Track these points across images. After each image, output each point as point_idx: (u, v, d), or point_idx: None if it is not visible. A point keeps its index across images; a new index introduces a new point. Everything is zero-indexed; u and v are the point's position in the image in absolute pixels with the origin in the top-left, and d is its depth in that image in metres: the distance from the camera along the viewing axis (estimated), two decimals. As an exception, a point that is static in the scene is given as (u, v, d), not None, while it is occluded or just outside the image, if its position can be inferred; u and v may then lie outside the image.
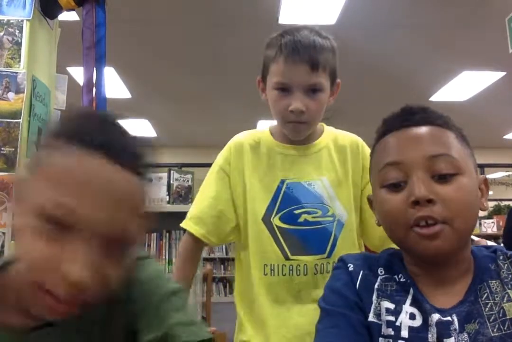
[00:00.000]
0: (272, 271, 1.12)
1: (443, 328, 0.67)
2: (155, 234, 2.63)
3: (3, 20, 2.37)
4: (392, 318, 0.71)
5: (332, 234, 1.13)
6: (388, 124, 0.77)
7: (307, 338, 1.07)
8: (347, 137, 1.22)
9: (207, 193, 1.20)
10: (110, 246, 0.54)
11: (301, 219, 1.13)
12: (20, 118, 2.31)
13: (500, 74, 5.14)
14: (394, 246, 1.15)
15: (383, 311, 0.72)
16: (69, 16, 2.81)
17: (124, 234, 0.55)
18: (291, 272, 1.11)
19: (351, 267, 0.76)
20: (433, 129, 0.73)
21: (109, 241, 0.54)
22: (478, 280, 0.72)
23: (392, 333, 0.69)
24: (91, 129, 0.55)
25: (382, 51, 4.50)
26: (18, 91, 2.32)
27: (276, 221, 1.13)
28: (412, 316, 0.70)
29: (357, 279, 0.75)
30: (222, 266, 6.37)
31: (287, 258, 1.12)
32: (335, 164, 1.18)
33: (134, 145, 0.57)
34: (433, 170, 0.69)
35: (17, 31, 2.34)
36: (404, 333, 0.69)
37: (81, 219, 0.52)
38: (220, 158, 1.21)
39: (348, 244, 1.15)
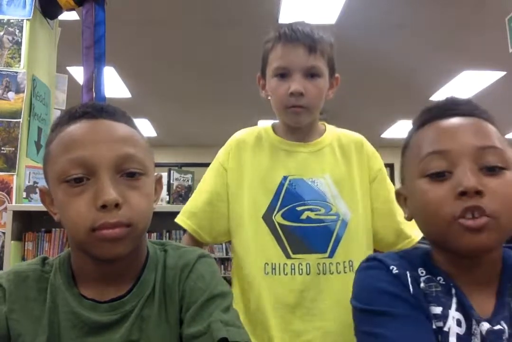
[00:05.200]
0: (274, 270, 1.09)
1: (496, 338, 0.64)
2: (155, 234, 2.63)
3: (3, 19, 2.37)
4: (440, 323, 0.66)
5: (334, 233, 1.11)
6: (429, 114, 0.73)
7: None
8: (351, 137, 1.22)
9: (204, 187, 1.20)
10: (127, 177, 0.68)
11: (303, 216, 1.11)
12: (20, 118, 2.31)
13: (500, 74, 5.14)
14: (406, 244, 1.15)
15: (432, 317, 0.67)
16: (69, 15, 2.81)
17: (131, 163, 0.69)
18: (293, 271, 1.09)
19: (395, 270, 0.70)
20: (480, 122, 0.70)
21: (123, 172, 0.68)
22: (506, 277, 0.69)
23: (440, 339, 0.65)
24: (77, 108, 0.73)
25: (382, 51, 4.50)
26: (18, 91, 2.32)
27: (278, 218, 1.11)
28: (458, 322, 0.66)
29: (408, 282, 0.69)
30: (222, 266, 6.35)
31: (288, 257, 1.10)
32: (339, 163, 1.17)
33: (109, 107, 0.74)
34: (481, 162, 0.66)
35: (17, 30, 2.34)
36: (453, 340, 0.65)
37: (97, 162, 0.66)
38: (220, 155, 1.21)
39: (352, 245, 1.12)
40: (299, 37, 1.08)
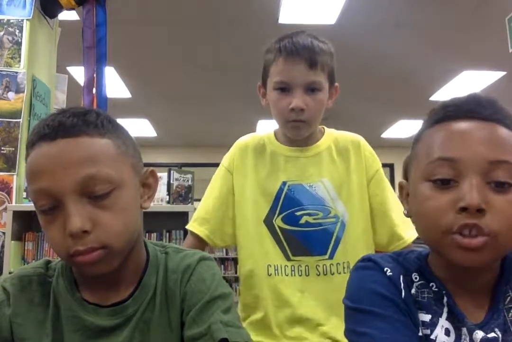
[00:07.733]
0: (276, 271, 1.13)
1: None
2: (155, 233, 2.63)
3: (3, 19, 2.37)
4: (427, 331, 0.66)
5: (334, 235, 1.14)
6: (447, 111, 0.68)
7: None
8: (348, 137, 1.23)
9: (212, 193, 1.23)
10: (95, 198, 0.66)
11: (302, 221, 1.14)
12: (20, 118, 2.32)
13: (500, 74, 5.14)
14: (399, 246, 1.16)
15: (419, 324, 0.66)
16: (69, 15, 2.81)
17: (94, 184, 0.66)
18: (293, 272, 1.13)
19: (389, 272, 0.69)
20: (499, 129, 0.65)
21: (89, 194, 0.66)
22: (504, 279, 0.68)
23: None
24: (41, 126, 0.69)
25: (382, 51, 4.50)
26: (18, 91, 2.32)
27: (278, 222, 1.15)
28: (446, 332, 0.65)
29: (400, 285, 0.68)
30: (222, 266, 6.36)
31: (288, 259, 1.13)
32: (337, 165, 1.19)
33: (68, 121, 0.68)
34: (490, 176, 0.62)
35: (17, 30, 2.34)
36: None
37: (58, 191, 0.65)
38: (225, 160, 1.24)
39: (352, 245, 1.15)
40: (300, 51, 1.09)
